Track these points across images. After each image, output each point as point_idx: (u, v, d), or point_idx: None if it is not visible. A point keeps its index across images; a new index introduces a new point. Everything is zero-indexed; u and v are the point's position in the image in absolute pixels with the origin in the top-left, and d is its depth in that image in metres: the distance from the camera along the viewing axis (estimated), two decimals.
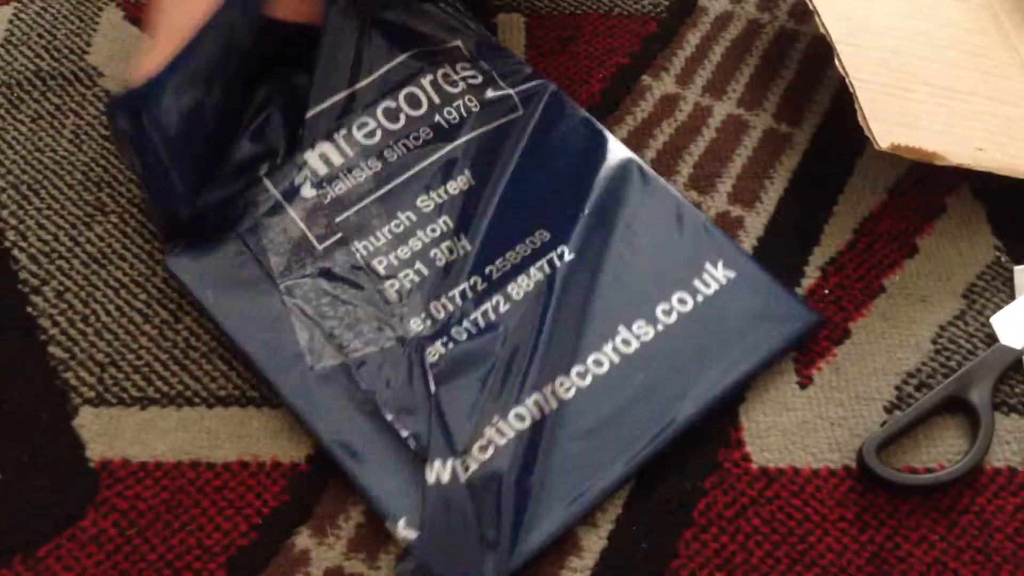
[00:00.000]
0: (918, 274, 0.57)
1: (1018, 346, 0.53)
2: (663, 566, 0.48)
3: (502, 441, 0.49)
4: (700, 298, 0.54)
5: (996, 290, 0.57)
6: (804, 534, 0.49)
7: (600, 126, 0.61)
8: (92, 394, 0.53)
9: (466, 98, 0.61)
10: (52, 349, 0.54)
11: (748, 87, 0.66)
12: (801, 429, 0.52)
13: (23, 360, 0.54)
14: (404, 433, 0.49)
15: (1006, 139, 0.58)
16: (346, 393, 0.51)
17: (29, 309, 0.55)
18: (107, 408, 0.52)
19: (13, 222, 0.59)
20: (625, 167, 0.59)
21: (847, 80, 0.56)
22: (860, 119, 0.55)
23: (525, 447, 0.49)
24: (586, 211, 0.57)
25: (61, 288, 0.56)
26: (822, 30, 0.58)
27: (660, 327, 0.53)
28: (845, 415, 0.52)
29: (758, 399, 0.53)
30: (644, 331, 0.53)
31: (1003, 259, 0.58)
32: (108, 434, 0.51)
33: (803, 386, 0.53)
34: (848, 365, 0.54)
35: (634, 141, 0.62)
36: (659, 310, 0.53)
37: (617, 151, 0.60)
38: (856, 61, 0.57)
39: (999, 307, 0.56)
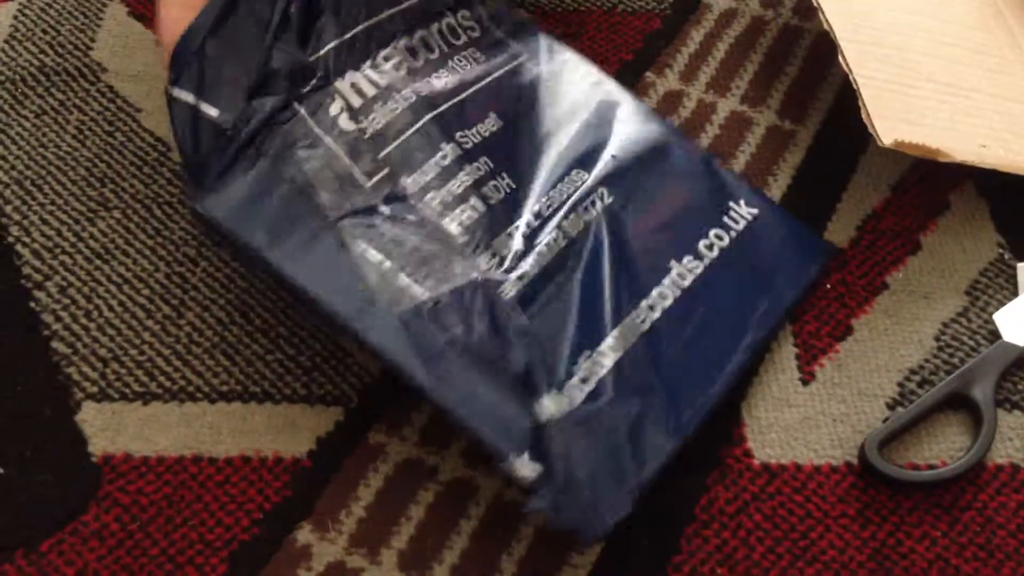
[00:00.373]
0: (921, 271, 0.57)
1: (1021, 343, 0.53)
2: (664, 562, 0.48)
3: (601, 373, 0.50)
4: (733, 233, 0.56)
5: (999, 287, 0.57)
6: (806, 530, 0.49)
7: (606, 76, 0.62)
8: (95, 389, 0.53)
9: (471, 49, 0.61)
10: (55, 344, 0.54)
11: (752, 84, 0.65)
12: (803, 425, 0.52)
13: (26, 356, 0.54)
14: (506, 369, 0.49)
15: (1009, 136, 0.58)
16: (431, 334, 0.49)
17: (32, 304, 0.56)
18: (109, 403, 0.52)
19: (17, 218, 0.59)
20: (639, 115, 0.60)
21: (850, 77, 0.56)
22: (863, 116, 0.54)
23: (621, 379, 0.50)
24: (613, 153, 0.58)
25: (64, 284, 0.56)
26: (826, 26, 0.58)
27: (707, 261, 0.55)
28: (847, 411, 0.52)
29: (760, 395, 0.53)
30: (694, 265, 0.55)
31: (1006, 256, 0.58)
32: (110, 429, 0.51)
33: (805, 382, 0.53)
34: (850, 362, 0.54)
35: None
36: (701, 245, 0.55)
37: (627, 100, 0.61)
38: (860, 58, 0.57)
39: (1002, 304, 0.56)
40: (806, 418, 0.52)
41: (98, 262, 0.57)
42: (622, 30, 0.68)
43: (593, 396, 0.49)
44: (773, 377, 0.53)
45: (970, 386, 0.52)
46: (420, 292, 0.50)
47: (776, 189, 0.60)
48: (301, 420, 0.52)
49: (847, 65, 0.56)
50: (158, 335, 0.55)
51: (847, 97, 0.63)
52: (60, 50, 0.66)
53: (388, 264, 0.51)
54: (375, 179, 0.53)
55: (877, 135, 0.54)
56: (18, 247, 0.58)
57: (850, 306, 0.56)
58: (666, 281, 0.54)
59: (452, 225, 0.53)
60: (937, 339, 0.55)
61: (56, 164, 0.61)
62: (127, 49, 0.66)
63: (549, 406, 0.48)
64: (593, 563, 0.48)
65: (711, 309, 0.53)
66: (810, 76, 0.66)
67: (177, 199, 0.60)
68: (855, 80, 0.56)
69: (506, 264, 0.52)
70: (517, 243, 0.53)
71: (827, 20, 0.58)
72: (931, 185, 0.61)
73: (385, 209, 0.53)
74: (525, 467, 0.46)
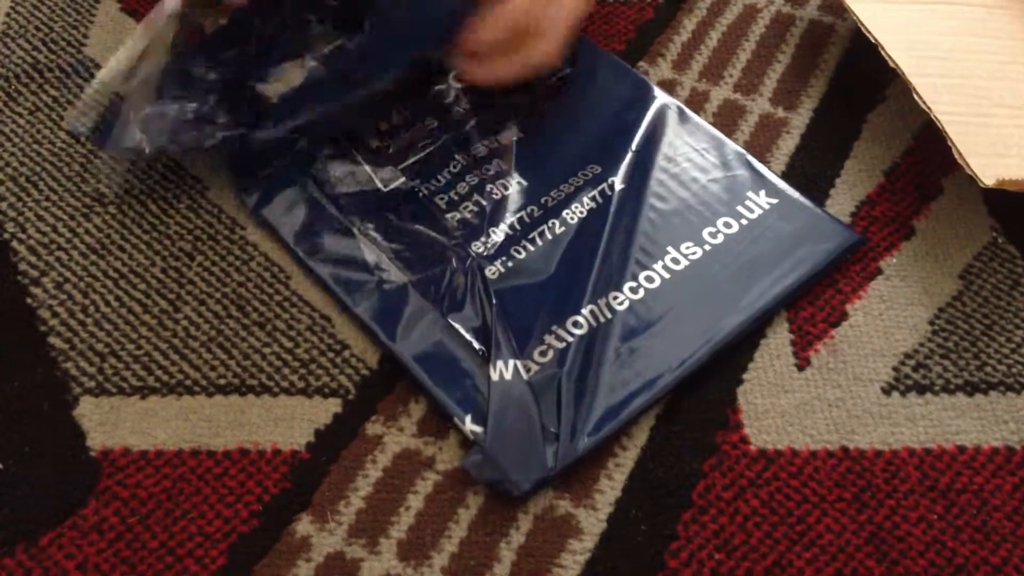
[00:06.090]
0: (915, 256, 0.57)
1: None
2: (662, 548, 0.48)
3: (560, 345, 0.52)
4: (744, 221, 0.57)
5: (993, 271, 0.57)
6: (802, 515, 0.49)
7: (637, 72, 0.65)
8: (92, 384, 0.53)
9: None
10: (52, 340, 0.54)
11: (744, 72, 0.66)
12: (799, 411, 0.52)
13: (23, 351, 0.54)
14: (468, 336, 0.52)
15: None
16: (412, 306, 0.54)
17: (29, 300, 0.56)
18: (107, 397, 0.53)
19: (12, 214, 0.59)
20: (665, 107, 0.63)
21: (933, 116, 0.54)
22: (956, 155, 0.53)
23: (582, 351, 0.52)
24: (633, 147, 0.60)
25: (60, 279, 0.56)
26: (891, 64, 0.57)
27: (707, 247, 0.56)
28: (843, 396, 0.52)
29: (756, 381, 0.53)
30: (692, 251, 0.56)
31: (1000, 240, 0.58)
32: (109, 423, 0.52)
33: (801, 368, 0.53)
34: (846, 347, 0.54)
35: None
36: (705, 232, 0.57)
37: (656, 94, 0.63)
38: (933, 94, 0.56)
39: (997, 287, 0.56)
40: (802, 403, 0.52)
41: (94, 257, 0.57)
42: (615, 20, 0.68)
43: (546, 366, 0.52)
44: (769, 363, 0.53)
45: None
46: (409, 273, 0.56)
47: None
48: (299, 412, 0.52)
49: (925, 104, 0.55)
50: (155, 329, 0.55)
51: (840, 84, 0.64)
52: (53, 47, 0.66)
53: (386, 249, 0.56)
54: (391, 186, 0.59)
55: (977, 176, 0.52)
56: (14, 243, 0.58)
57: (845, 292, 0.56)
58: (657, 265, 0.55)
59: (453, 220, 0.57)
60: (932, 323, 0.55)
61: (51, 160, 0.61)
62: (120, 45, 0.65)
63: (502, 371, 0.51)
64: (591, 550, 0.48)
65: (697, 293, 0.54)
66: (802, 63, 0.66)
67: (172, 194, 0.60)
68: (938, 120, 0.54)
69: (498, 247, 0.56)
70: (514, 230, 0.57)
71: (891, 58, 0.57)
72: (924, 170, 0.61)
73: (395, 208, 0.58)
74: (469, 426, 0.50)
